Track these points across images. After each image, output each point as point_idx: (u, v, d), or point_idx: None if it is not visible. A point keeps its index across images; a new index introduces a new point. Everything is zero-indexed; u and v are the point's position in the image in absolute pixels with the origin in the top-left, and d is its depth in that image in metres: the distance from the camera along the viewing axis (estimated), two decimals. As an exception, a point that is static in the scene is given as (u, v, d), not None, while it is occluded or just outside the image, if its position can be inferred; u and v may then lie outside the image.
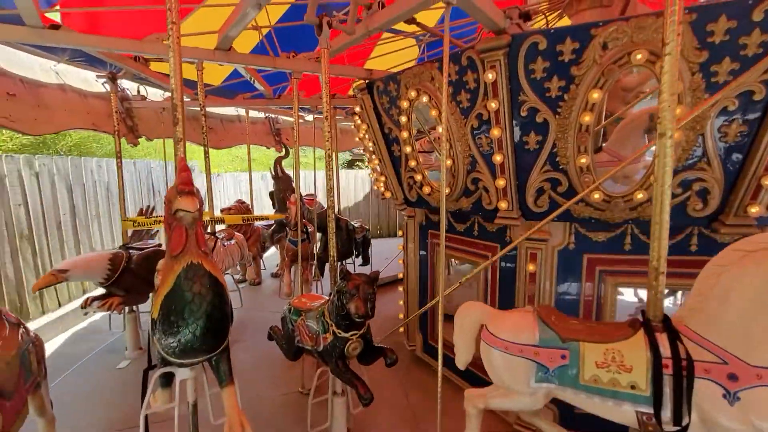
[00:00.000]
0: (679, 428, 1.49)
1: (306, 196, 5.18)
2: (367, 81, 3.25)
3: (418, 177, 3.12)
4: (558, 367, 1.70)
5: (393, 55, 4.63)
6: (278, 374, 3.50)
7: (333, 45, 2.77)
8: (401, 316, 3.84)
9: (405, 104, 2.88)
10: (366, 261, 5.96)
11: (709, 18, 1.80)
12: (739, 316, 1.41)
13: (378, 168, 3.66)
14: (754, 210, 2.07)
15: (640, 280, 2.42)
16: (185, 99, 4.79)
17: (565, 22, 3.46)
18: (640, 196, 2.19)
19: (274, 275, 6.47)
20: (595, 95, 2.06)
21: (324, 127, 2.51)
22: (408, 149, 3.08)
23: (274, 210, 5.92)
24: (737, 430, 1.38)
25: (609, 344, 1.61)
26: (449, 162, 2.75)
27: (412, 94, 2.78)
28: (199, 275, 1.57)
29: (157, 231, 4.19)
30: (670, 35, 1.47)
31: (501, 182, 2.48)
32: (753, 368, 1.37)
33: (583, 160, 2.23)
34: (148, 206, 4.30)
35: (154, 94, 5.01)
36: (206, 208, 3.70)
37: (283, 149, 6.30)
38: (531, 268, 2.58)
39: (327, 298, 2.51)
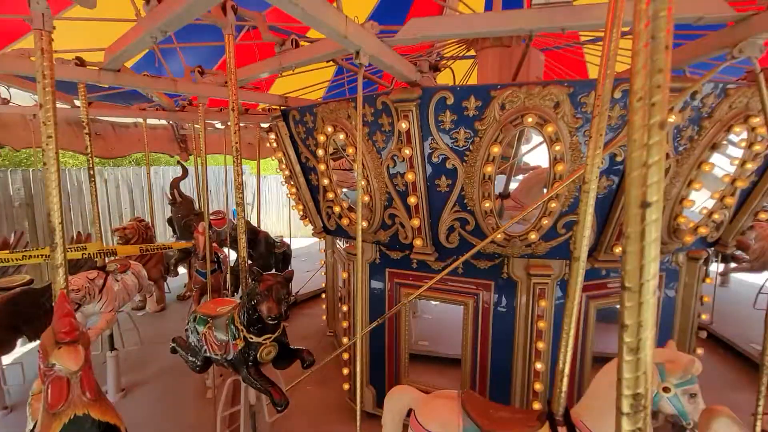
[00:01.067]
0: None
1: (213, 215, 4.79)
2: (282, 108, 3.13)
3: (337, 209, 3.11)
4: None
5: (312, 74, 4.52)
6: (190, 419, 3.23)
7: (242, 75, 2.62)
8: (345, 371, 3.34)
9: (322, 138, 2.84)
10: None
11: (581, 92, 2.09)
12: (606, 409, 1.65)
13: (296, 195, 3.56)
14: (617, 250, 2.48)
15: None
16: (63, 106, 4.11)
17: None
18: (532, 236, 2.48)
19: (181, 298, 5.90)
20: (495, 149, 2.26)
21: (232, 140, 2.35)
22: (326, 181, 3.04)
23: (175, 237, 5.35)
24: None
25: None
26: (366, 198, 2.79)
27: (329, 129, 2.75)
28: (86, 430, 1.34)
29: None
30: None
31: (416, 222, 2.60)
32: None
33: (487, 205, 2.44)
34: (20, 233, 3.61)
35: (22, 97, 4.20)
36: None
37: (181, 169, 5.56)
38: (543, 303, 2.58)
39: (237, 302, 2.34)
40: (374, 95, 2.43)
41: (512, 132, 2.24)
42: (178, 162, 6.16)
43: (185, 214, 5.06)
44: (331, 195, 3.09)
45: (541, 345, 2.60)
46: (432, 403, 1.98)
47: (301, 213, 3.67)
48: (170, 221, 5.47)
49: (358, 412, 2.04)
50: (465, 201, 2.51)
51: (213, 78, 3.11)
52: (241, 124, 5.59)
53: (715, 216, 2.67)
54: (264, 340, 2.13)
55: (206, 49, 4.18)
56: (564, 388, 1.66)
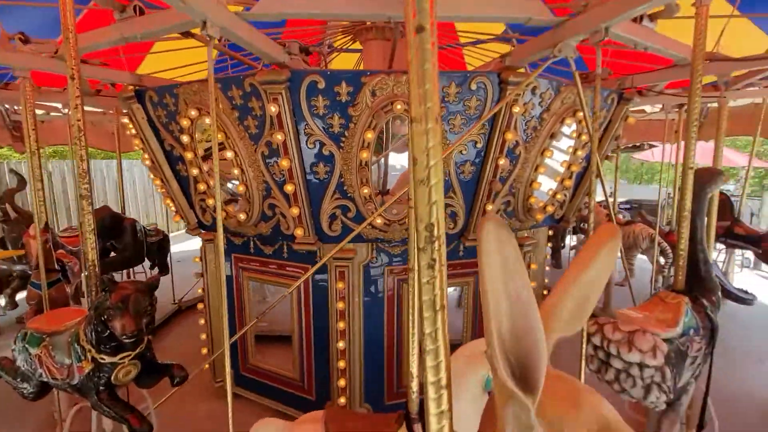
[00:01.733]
0: None
1: (65, 232, 3.95)
2: (136, 88, 2.72)
3: (211, 201, 2.84)
4: None
5: (192, 52, 4.01)
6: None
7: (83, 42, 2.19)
8: (204, 350, 3.47)
9: (186, 123, 2.55)
10: (164, 269, 5.15)
11: (443, 83, 2.24)
12: (460, 403, 1.75)
13: (163, 189, 3.16)
14: (483, 228, 2.74)
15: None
16: None
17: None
18: (410, 220, 2.59)
19: (21, 320, 4.81)
20: (369, 135, 2.29)
21: (72, 118, 1.94)
22: (195, 171, 2.75)
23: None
24: None
25: None
26: (242, 188, 2.60)
27: (193, 113, 2.48)
28: None
29: None
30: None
31: (295, 211, 2.50)
32: None
33: (366, 191, 2.47)
34: None
35: None
36: None
37: (17, 180, 4.30)
38: (340, 285, 2.73)
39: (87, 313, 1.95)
40: (241, 76, 2.26)
41: (384, 118, 2.30)
42: (11, 170, 4.93)
43: (22, 233, 3.99)
44: (202, 186, 2.81)
45: (341, 325, 2.77)
46: (293, 430, 1.84)
47: (172, 208, 3.27)
48: (2, 240, 4.33)
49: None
50: (345, 188, 2.51)
51: (40, 47, 2.55)
52: (94, 109, 4.76)
53: (558, 196, 3.14)
54: (121, 359, 1.83)
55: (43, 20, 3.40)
56: (414, 388, 1.71)
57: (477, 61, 5.11)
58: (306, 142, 2.35)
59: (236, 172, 2.58)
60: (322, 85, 2.19)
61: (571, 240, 7.94)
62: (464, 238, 2.80)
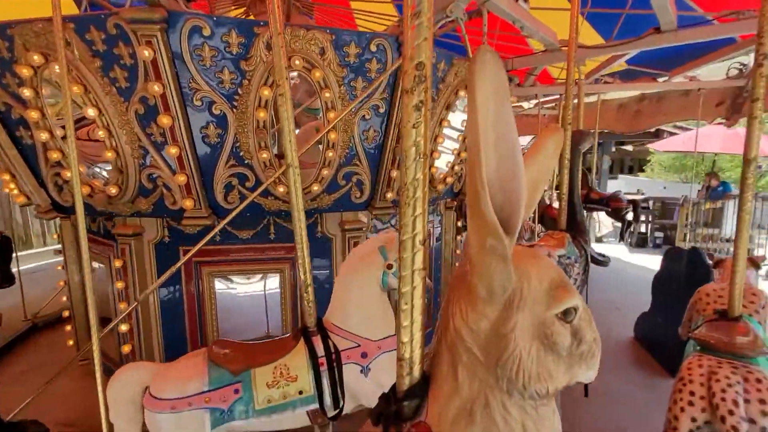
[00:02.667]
0: (338, 410, 1.77)
1: None
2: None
3: (69, 174, 2.33)
4: (233, 403, 1.65)
5: None
6: None
7: None
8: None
9: (27, 72, 2.05)
10: (7, 280, 4.12)
11: (344, 42, 2.19)
12: (360, 305, 1.79)
13: (-2, 161, 2.50)
14: (389, 195, 2.77)
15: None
16: None
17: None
18: (315, 188, 2.49)
19: None
20: (266, 92, 2.13)
21: None
22: (44, 136, 2.23)
23: None
24: (372, 393, 1.77)
25: (277, 362, 1.70)
26: (110, 154, 2.19)
27: (36, 58, 2.00)
28: None
29: None
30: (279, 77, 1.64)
31: (182, 178, 2.20)
32: (375, 342, 1.79)
33: (265, 155, 2.29)
34: None
35: None
36: None
37: None
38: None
39: None
40: (103, 15, 1.90)
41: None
42: None
43: None
44: (55, 155, 2.29)
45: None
46: (172, 368, 1.71)
47: (12, 188, 2.61)
48: None
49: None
50: (241, 153, 2.29)
51: None
52: None
53: (456, 168, 3.34)
54: None
55: None
56: (311, 297, 1.72)
57: (369, 24, 5.00)
58: (192, 98, 2.08)
59: (102, 134, 2.16)
60: (207, 31, 1.95)
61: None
62: (371, 207, 2.79)
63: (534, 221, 5.63)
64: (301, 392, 1.69)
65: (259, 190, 2.07)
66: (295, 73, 2.35)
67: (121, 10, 1.86)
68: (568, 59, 2.27)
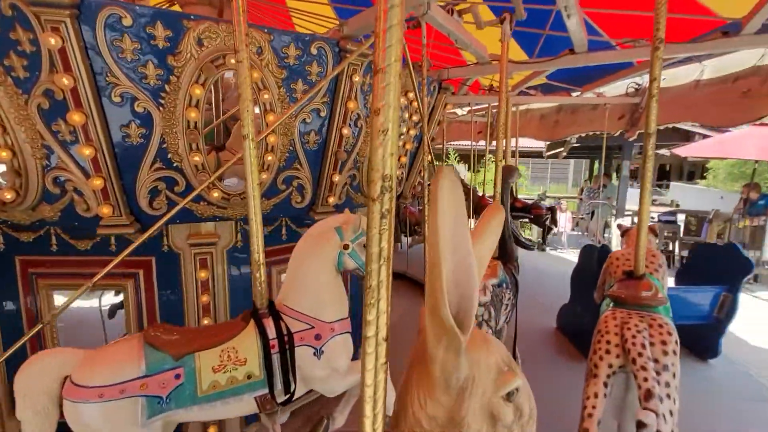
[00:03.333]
0: (289, 395, 1.72)
1: None
2: None
3: (-52, 176, 1.97)
4: (173, 390, 1.52)
5: None
6: None
7: None
8: None
9: None
10: None
11: (282, 43, 2.13)
12: (314, 286, 1.77)
13: None
14: (331, 200, 2.74)
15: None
16: None
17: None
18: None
19: None
20: (198, 91, 1.99)
21: None
22: None
23: None
24: (325, 378, 1.76)
25: (224, 345, 1.61)
26: (5, 154, 1.89)
27: None
28: None
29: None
30: (240, 45, 1.58)
31: (97, 182, 1.97)
32: (328, 324, 1.77)
33: (197, 158, 2.14)
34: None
35: None
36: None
37: None
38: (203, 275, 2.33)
39: None
40: (-6, -8, 1.63)
41: (215, 73, 2.03)
42: None
43: None
44: (-71, 153, 1.92)
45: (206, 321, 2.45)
46: (99, 353, 1.54)
47: None
48: None
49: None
50: (169, 155, 2.11)
51: None
52: None
53: (397, 173, 3.42)
54: None
55: None
56: (262, 277, 1.65)
57: (307, 24, 4.90)
58: (109, 93, 1.87)
59: (-5, 132, 1.86)
60: (128, 21, 1.77)
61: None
62: (313, 212, 2.74)
63: (469, 214, 5.94)
64: (249, 377, 1.60)
65: (194, 193, 1.94)
66: (230, 73, 2.23)
67: (18, -12, 1.61)
68: (501, 74, 2.44)
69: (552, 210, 4.73)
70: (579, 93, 5.47)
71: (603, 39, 3.16)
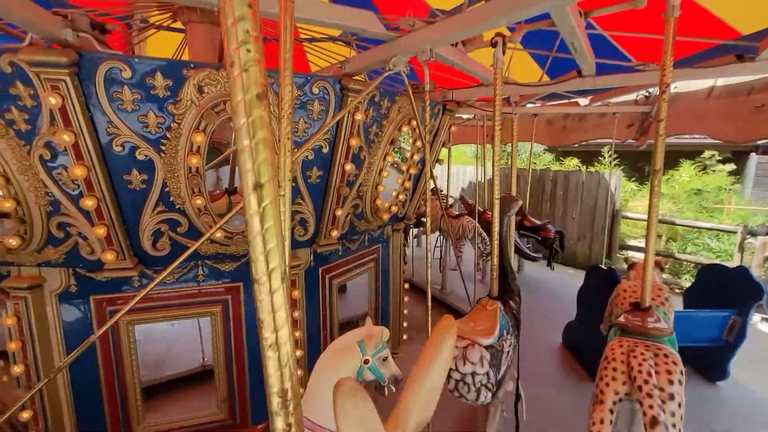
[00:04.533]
0: None
1: None
2: None
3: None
4: None
5: None
6: None
7: None
8: None
9: None
10: None
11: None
12: (332, 399, 1.74)
13: None
14: (334, 233, 2.73)
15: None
16: None
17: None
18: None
19: None
20: (199, 138, 1.98)
21: None
22: None
23: None
24: None
25: None
26: (9, 204, 1.90)
27: None
28: None
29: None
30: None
31: (101, 230, 1.98)
32: None
33: (199, 202, 2.14)
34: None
35: None
36: None
37: None
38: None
39: None
40: (-6, 51, 1.63)
41: (216, 119, 2.01)
42: None
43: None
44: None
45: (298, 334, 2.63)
46: None
47: None
48: None
49: None
50: (171, 199, 2.11)
51: None
52: None
53: (401, 197, 3.39)
54: None
55: None
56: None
57: (318, 60, 5.02)
58: (112, 144, 1.87)
59: (-2, 182, 1.87)
60: (128, 74, 1.76)
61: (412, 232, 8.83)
62: (316, 244, 2.74)
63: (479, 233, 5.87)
64: None
65: (204, 238, 1.93)
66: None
67: (20, 47, 1.60)
68: (494, 96, 2.38)
69: (560, 234, 4.65)
70: (587, 103, 5.37)
71: (611, 62, 3.08)
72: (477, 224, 5.28)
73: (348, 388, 0.56)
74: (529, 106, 5.28)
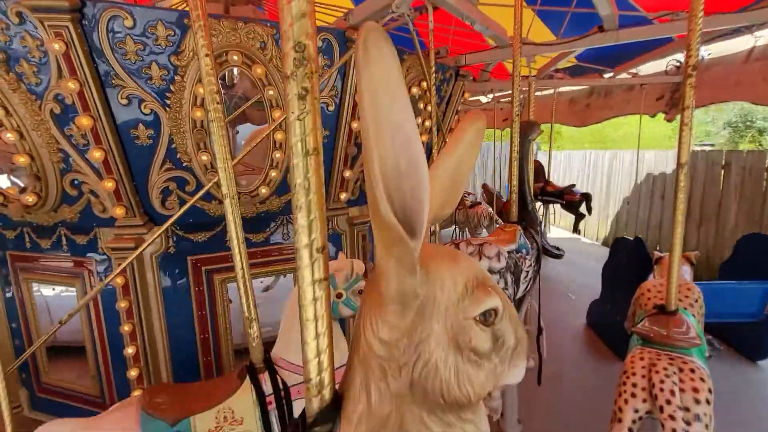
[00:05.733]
0: None
1: None
2: None
3: (-25, 181, 2.07)
4: None
5: None
6: None
7: None
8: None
9: None
10: None
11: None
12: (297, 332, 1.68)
13: None
14: (343, 196, 2.69)
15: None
16: None
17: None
18: (264, 191, 2.36)
19: None
20: (203, 90, 1.97)
21: None
22: (-59, 139, 1.96)
23: None
24: None
25: (219, 405, 1.55)
26: (23, 159, 1.96)
27: None
28: None
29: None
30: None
31: (109, 184, 2.01)
32: None
33: (205, 158, 2.14)
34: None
35: None
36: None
37: None
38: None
39: None
40: (3, 1, 1.66)
41: (220, 71, 2.00)
42: None
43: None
44: (-43, 160, 2.02)
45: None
46: (99, 423, 1.53)
47: None
48: None
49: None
50: (178, 156, 2.12)
51: None
52: None
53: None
54: None
55: None
56: (256, 333, 1.59)
57: (321, 15, 4.87)
58: (117, 96, 1.89)
59: (11, 137, 1.92)
60: (130, 23, 1.77)
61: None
62: (326, 207, 2.70)
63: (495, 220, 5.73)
64: None
65: (198, 194, 1.93)
66: (236, 69, 2.20)
67: (21, -3, 1.63)
68: (514, 55, 2.28)
69: (586, 196, 4.44)
70: (611, 74, 5.10)
71: (636, 14, 2.89)
72: (492, 212, 5.12)
73: (376, 28, 0.47)
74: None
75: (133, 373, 2.20)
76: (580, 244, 7.78)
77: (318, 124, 0.55)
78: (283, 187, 2.45)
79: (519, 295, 2.13)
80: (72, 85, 1.73)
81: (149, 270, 2.27)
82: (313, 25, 0.52)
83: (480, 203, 6.32)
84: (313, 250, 0.58)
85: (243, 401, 1.57)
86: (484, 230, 6.06)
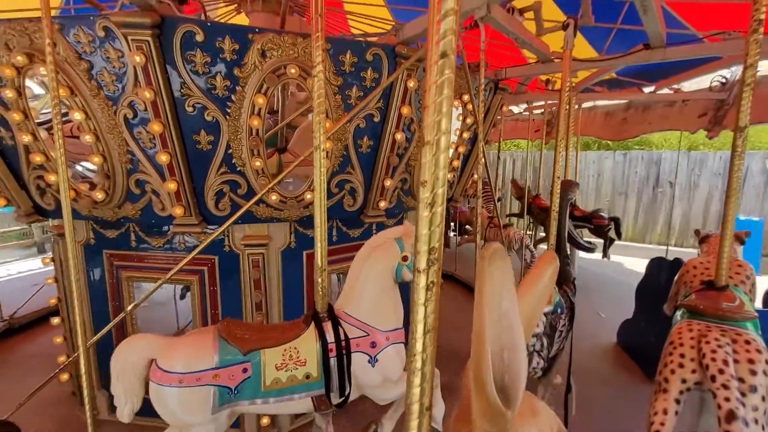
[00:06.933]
0: (344, 398, 1.77)
1: None
2: None
3: (53, 178, 2.26)
4: (240, 383, 1.63)
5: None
6: None
7: None
8: (65, 377, 2.52)
9: (9, 72, 1.97)
10: None
11: (339, 50, 2.17)
12: (372, 294, 1.80)
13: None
14: (382, 204, 2.76)
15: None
16: None
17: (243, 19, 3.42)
18: (308, 196, 2.46)
19: None
20: (260, 100, 2.09)
21: None
22: (27, 138, 2.15)
23: None
24: (378, 386, 1.78)
25: (287, 344, 1.69)
26: (97, 159, 2.13)
27: (20, 59, 1.93)
28: None
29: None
30: (317, 59, 1.63)
31: (172, 185, 2.15)
32: (384, 333, 1.80)
33: (258, 164, 2.26)
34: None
35: None
36: None
37: None
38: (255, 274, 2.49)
39: None
40: (92, 16, 1.83)
41: (277, 83, 2.12)
42: None
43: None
44: (38, 158, 2.21)
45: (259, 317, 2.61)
46: (180, 342, 1.68)
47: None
48: None
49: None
50: (233, 161, 2.25)
51: None
52: None
53: (448, 176, 3.36)
54: None
55: None
56: (324, 282, 1.74)
57: (362, 26, 4.91)
58: (184, 104, 2.04)
59: (88, 139, 2.10)
60: (200, 37, 1.91)
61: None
62: (364, 215, 2.78)
63: (523, 214, 5.66)
64: (308, 377, 1.68)
65: (255, 198, 2.05)
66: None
67: (111, 12, 1.80)
68: (563, 73, 2.30)
69: (615, 220, 4.36)
70: (652, 89, 4.99)
71: (685, 32, 2.85)
72: (524, 236, 5.06)
73: (497, 249, 0.60)
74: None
75: None
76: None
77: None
78: (326, 193, 2.54)
79: (552, 354, 2.15)
80: (148, 93, 1.88)
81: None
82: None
83: (512, 225, 6.22)
84: (432, 258, 0.63)
85: (307, 345, 1.70)
86: (514, 253, 5.98)
